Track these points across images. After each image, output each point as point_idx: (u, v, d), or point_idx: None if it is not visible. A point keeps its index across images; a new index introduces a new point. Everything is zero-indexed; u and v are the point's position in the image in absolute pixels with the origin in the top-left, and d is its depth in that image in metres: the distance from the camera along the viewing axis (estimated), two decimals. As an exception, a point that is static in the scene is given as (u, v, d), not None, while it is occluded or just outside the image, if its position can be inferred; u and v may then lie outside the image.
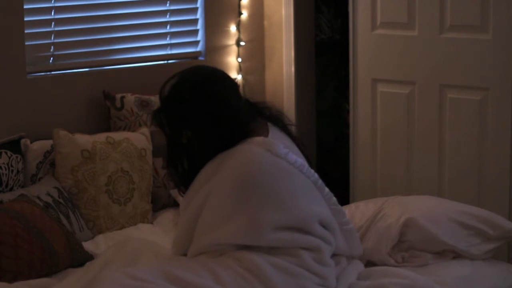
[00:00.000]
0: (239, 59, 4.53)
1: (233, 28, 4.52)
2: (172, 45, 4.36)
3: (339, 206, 2.90)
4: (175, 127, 2.82)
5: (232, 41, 4.52)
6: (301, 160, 2.82)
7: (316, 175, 2.85)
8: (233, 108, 2.80)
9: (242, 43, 4.53)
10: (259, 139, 2.78)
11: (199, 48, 4.43)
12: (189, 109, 2.78)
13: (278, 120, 2.93)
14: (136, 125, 3.98)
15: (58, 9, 4.00)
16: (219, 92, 2.80)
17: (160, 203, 3.98)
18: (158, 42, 4.32)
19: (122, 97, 4.00)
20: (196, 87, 2.78)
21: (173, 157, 2.87)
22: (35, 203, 3.39)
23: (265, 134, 2.82)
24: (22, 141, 3.72)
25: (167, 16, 4.34)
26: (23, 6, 3.85)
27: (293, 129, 2.97)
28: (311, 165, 2.89)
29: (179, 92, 2.80)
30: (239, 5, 4.52)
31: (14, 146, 3.66)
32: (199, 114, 2.77)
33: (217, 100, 2.79)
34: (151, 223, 3.83)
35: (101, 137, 3.80)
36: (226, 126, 2.78)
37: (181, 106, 2.79)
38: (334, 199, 2.89)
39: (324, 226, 2.76)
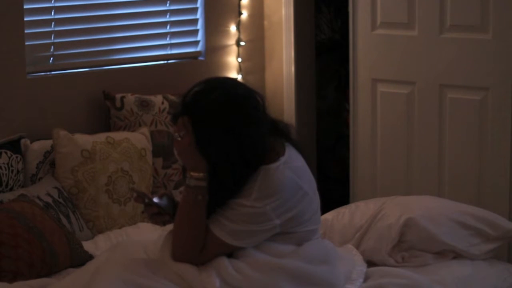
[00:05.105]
0: (239, 59, 4.53)
1: (233, 28, 4.52)
2: (172, 45, 4.36)
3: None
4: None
5: (232, 41, 4.52)
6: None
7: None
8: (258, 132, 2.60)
9: (242, 43, 4.53)
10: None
11: (199, 48, 4.43)
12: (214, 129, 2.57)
13: (288, 134, 2.77)
14: (136, 125, 3.98)
15: (58, 9, 4.00)
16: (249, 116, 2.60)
17: (160, 203, 3.98)
18: (158, 42, 4.32)
19: (122, 97, 4.00)
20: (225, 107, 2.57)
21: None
22: (35, 203, 3.39)
23: (282, 152, 2.66)
24: (22, 141, 3.72)
25: (167, 16, 4.34)
26: (23, 6, 3.85)
27: (300, 144, 2.80)
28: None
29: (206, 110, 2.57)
30: (239, 5, 4.52)
31: (14, 146, 3.66)
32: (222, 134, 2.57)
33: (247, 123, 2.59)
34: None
35: (101, 137, 3.80)
36: (249, 150, 2.59)
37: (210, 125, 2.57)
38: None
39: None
